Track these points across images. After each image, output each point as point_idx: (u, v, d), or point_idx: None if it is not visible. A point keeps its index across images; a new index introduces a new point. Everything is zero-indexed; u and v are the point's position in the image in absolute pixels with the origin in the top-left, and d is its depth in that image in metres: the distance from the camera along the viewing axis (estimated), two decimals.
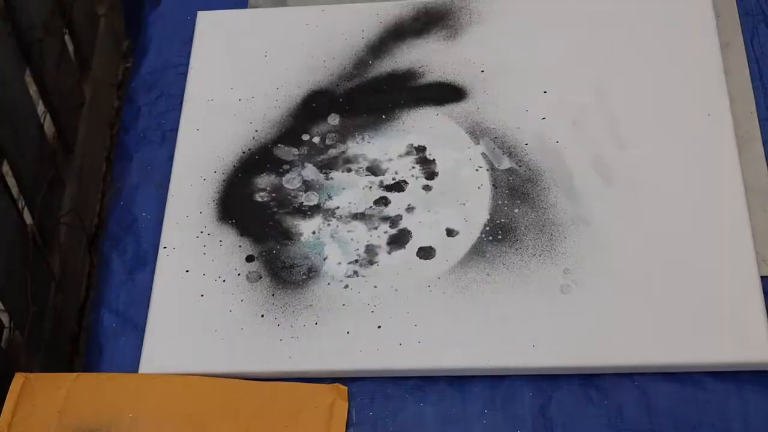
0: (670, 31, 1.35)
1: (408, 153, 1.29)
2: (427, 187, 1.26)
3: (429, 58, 1.36)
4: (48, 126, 1.52)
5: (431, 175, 1.27)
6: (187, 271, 1.23)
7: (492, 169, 1.27)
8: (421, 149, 1.29)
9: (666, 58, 1.33)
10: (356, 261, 1.22)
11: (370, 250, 1.23)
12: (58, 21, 1.54)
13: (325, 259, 1.22)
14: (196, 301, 1.21)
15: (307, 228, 1.25)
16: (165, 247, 1.25)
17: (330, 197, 1.27)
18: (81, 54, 1.63)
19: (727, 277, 1.17)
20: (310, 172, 1.29)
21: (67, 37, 1.59)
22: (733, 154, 1.25)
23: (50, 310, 1.48)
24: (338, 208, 1.26)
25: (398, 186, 1.27)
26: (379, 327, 1.17)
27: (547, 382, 1.15)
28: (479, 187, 1.25)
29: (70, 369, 1.57)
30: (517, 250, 1.21)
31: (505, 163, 1.27)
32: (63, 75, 1.54)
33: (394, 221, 1.24)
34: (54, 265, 1.50)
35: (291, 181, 1.28)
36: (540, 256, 1.20)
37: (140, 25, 1.48)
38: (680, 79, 1.31)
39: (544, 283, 1.19)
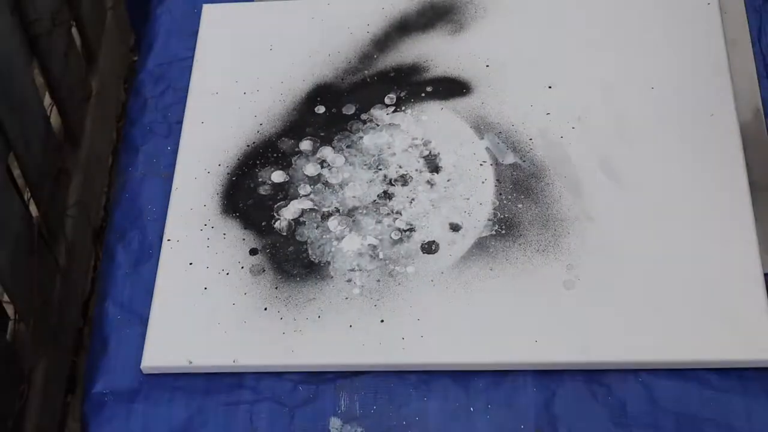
0: (676, 27, 1.34)
1: (412, 147, 1.29)
2: (431, 182, 1.26)
3: (434, 52, 1.36)
4: (54, 118, 1.52)
5: (435, 169, 1.27)
6: (191, 263, 1.23)
7: (496, 164, 1.27)
8: (425, 143, 1.29)
9: (672, 54, 1.33)
10: (359, 254, 1.22)
11: (373, 244, 1.22)
12: (66, 14, 1.54)
13: (329, 252, 1.22)
14: (199, 294, 1.21)
15: (310, 221, 1.25)
16: (169, 240, 1.25)
17: (333, 191, 1.27)
18: (88, 47, 1.63)
19: (732, 274, 1.17)
20: (313, 166, 1.29)
21: (74, 30, 1.59)
22: (738, 151, 1.24)
23: (55, 302, 1.48)
24: (342, 201, 1.26)
25: (402, 180, 1.27)
26: (382, 321, 1.17)
27: (550, 378, 1.14)
28: (483, 182, 1.25)
29: (75, 361, 1.57)
30: (520, 245, 1.21)
31: (510, 158, 1.27)
32: (70, 68, 1.54)
33: (397, 215, 1.24)
34: (60, 257, 1.50)
35: (294, 175, 1.28)
36: (543, 251, 1.20)
37: (147, 19, 1.48)
38: (686, 76, 1.31)
39: (547, 278, 1.18)
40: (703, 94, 1.28)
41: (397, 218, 1.24)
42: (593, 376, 1.14)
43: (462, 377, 1.15)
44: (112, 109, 1.70)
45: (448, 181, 1.26)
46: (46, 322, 1.45)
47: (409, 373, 1.16)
